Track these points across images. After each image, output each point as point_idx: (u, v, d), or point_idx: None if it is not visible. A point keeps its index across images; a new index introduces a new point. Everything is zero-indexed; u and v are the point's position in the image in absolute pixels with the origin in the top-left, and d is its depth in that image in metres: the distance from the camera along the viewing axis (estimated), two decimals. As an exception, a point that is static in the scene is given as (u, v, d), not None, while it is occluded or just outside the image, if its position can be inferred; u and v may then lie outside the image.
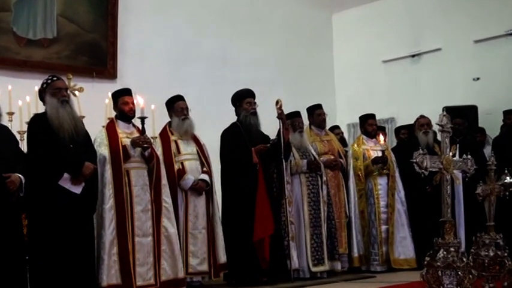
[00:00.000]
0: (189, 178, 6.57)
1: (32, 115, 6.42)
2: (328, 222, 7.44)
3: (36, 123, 5.58)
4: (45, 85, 5.65)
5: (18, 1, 8.46)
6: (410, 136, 8.66)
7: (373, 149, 8.11)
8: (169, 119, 6.92)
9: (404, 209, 7.97)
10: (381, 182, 7.97)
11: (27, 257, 5.29)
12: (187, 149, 6.77)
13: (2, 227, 5.00)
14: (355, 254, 7.79)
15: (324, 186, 7.48)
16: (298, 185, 7.37)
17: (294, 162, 7.35)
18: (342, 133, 9.45)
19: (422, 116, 8.25)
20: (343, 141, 8.92)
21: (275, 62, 11.02)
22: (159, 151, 6.50)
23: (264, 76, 10.43)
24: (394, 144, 9.39)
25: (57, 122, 5.44)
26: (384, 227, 7.88)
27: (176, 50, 9.89)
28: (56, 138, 5.41)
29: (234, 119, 7.19)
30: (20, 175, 5.14)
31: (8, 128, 5.67)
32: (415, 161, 4.90)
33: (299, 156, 7.41)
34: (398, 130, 9.33)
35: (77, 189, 5.46)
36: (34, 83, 6.71)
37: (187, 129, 6.79)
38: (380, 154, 7.89)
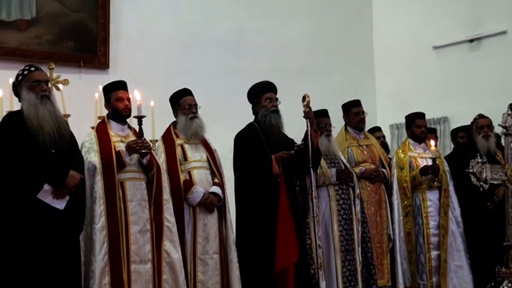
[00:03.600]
0: (198, 191, 6.56)
1: (4, 113, 6.44)
2: (363, 245, 7.43)
3: (10, 123, 5.56)
4: (20, 77, 5.65)
5: (-15, -27, 8.51)
6: (469, 140, 8.60)
7: (421, 156, 8.11)
8: (173, 119, 6.93)
9: (460, 231, 7.95)
10: (431, 197, 7.95)
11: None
12: (196, 156, 6.77)
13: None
14: (401, 285, 7.77)
15: (357, 201, 7.48)
16: (325, 199, 7.37)
17: (321, 172, 7.34)
18: (384, 136, 9.42)
19: (481, 116, 8.23)
20: (385, 147, 8.89)
21: (301, 49, 11.03)
22: (161, 158, 6.53)
23: (287, 66, 10.47)
24: (449, 150, 9.35)
25: (35, 122, 5.44)
26: (434, 253, 7.85)
27: (181, 34, 9.93)
28: (35, 141, 5.40)
29: (251, 118, 7.22)
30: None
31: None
32: (471, 171, 4.86)
33: (326, 165, 7.42)
34: (455, 133, 9.21)
35: (60, 205, 5.44)
36: (8, 74, 6.69)
37: (196, 131, 6.79)
38: (430, 162, 7.87)
